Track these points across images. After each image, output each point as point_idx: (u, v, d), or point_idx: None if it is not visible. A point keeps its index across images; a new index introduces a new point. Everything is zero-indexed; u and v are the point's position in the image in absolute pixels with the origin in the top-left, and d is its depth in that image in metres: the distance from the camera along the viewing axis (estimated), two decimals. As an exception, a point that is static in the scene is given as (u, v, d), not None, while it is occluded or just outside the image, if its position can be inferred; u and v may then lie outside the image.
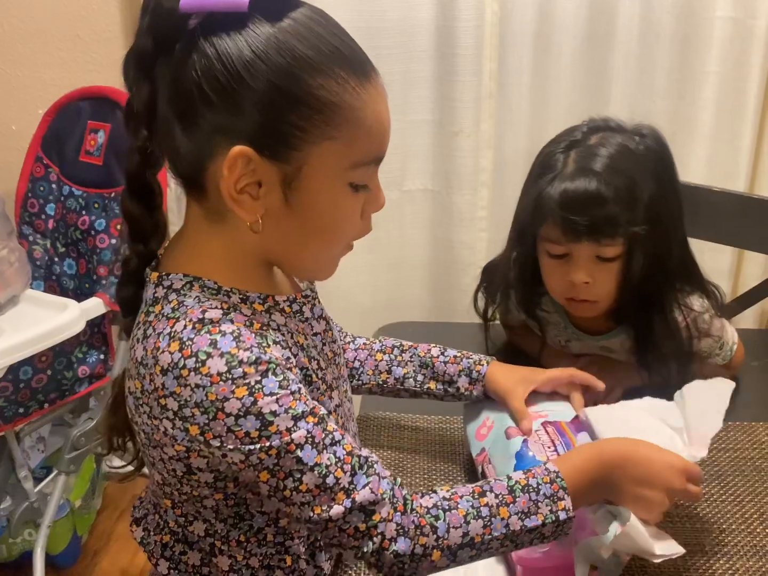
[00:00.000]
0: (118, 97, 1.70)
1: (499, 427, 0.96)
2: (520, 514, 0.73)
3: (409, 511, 0.71)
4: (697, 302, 1.14)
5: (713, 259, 1.73)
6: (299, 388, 0.69)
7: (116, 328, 1.70)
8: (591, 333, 1.21)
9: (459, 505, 0.73)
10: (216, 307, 0.70)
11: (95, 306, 1.58)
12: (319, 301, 0.84)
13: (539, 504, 0.74)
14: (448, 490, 0.75)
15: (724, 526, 0.93)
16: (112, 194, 1.68)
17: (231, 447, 0.66)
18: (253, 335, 0.68)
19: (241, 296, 0.73)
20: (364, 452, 0.72)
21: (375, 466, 0.72)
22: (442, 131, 1.80)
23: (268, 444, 0.66)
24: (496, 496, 0.74)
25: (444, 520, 0.72)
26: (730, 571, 0.87)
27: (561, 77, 1.76)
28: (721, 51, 1.72)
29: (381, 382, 1.03)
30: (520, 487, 0.75)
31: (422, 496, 0.74)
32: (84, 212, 1.71)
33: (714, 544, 0.90)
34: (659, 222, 1.06)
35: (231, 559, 0.77)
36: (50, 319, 1.47)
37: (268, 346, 0.69)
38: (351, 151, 0.70)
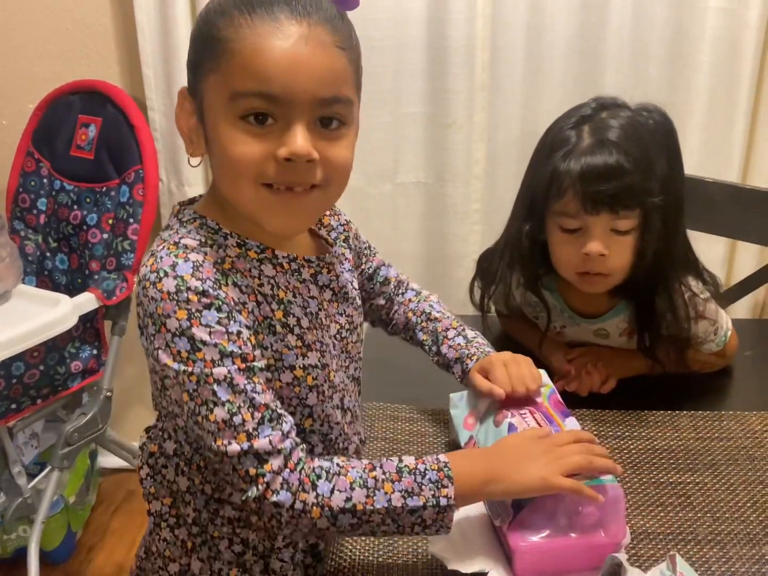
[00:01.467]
0: (109, 91, 1.70)
1: (487, 415, 0.96)
2: (403, 492, 0.76)
3: (298, 470, 0.75)
4: (693, 284, 1.15)
5: (707, 249, 1.72)
6: (239, 332, 0.75)
7: (109, 323, 1.69)
8: (587, 316, 1.21)
9: (348, 473, 0.77)
10: (196, 239, 0.78)
11: (87, 301, 1.57)
12: (328, 271, 0.89)
13: (423, 487, 0.77)
14: (343, 460, 0.79)
15: (717, 515, 0.93)
16: (104, 188, 1.68)
17: (166, 362, 0.74)
18: (215, 271, 0.76)
19: (239, 241, 0.81)
20: (286, 416, 0.77)
21: (285, 425, 0.76)
22: (435, 123, 1.80)
23: (192, 368, 0.73)
24: (384, 473, 0.77)
25: (329, 481, 0.75)
26: (723, 559, 0.87)
27: (553, 68, 1.76)
28: (714, 41, 1.72)
29: (409, 338, 1.12)
30: (408, 469, 0.78)
31: (316, 460, 0.77)
32: (75, 207, 1.70)
33: (707, 533, 0.90)
34: (671, 194, 1.08)
35: (189, 481, 0.84)
36: (42, 315, 1.46)
37: (226, 285, 0.76)
38: (227, 82, 0.74)
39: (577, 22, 1.72)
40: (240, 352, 0.74)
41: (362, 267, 1.09)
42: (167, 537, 0.87)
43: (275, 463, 0.74)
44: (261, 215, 0.79)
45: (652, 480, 0.99)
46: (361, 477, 0.76)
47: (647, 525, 0.91)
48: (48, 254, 1.76)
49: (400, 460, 0.79)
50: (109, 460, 2.11)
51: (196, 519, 0.85)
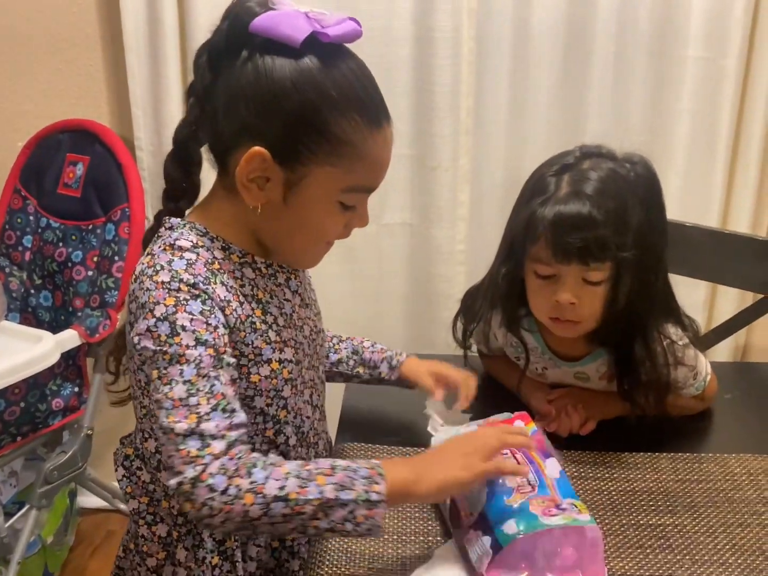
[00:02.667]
0: (97, 130, 1.72)
1: None
2: (336, 485, 0.78)
3: (236, 458, 0.78)
4: (672, 330, 1.15)
5: (687, 293, 1.75)
6: (217, 326, 0.82)
7: (91, 361, 1.69)
8: (567, 359, 1.22)
9: (284, 465, 0.80)
10: (189, 240, 0.86)
11: (70, 338, 1.57)
12: (296, 278, 0.97)
13: (355, 482, 0.79)
14: (280, 458, 0.83)
15: (696, 557, 0.93)
16: (90, 226, 1.69)
17: (146, 344, 0.80)
18: (206, 269, 0.84)
19: (223, 244, 0.89)
20: (241, 413, 0.81)
21: (236, 419, 0.80)
22: (421, 166, 1.82)
23: (167, 349, 0.79)
24: (318, 468, 0.80)
25: (264, 470, 0.78)
26: (702, 603, 0.86)
27: (536, 115, 1.79)
28: (694, 89, 1.76)
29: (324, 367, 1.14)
30: (342, 467, 0.81)
31: (255, 454, 0.81)
32: (61, 244, 1.71)
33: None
34: (646, 248, 1.08)
35: None
36: (24, 351, 1.46)
37: (215, 283, 0.84)
38: (346, 178, 0.85)
39: (560, 70, 1.76)
40: (214, 342, 0.81)
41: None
42: (145, 533, 0.94)
43: (217, 447, 0.77)
44: (305, 261, 0.96)
45: (632, 522, 0.98)
46: (295, 469, 0.79)
47: (626, 567, 0.91)
48: (32, 291, 1.76)
49: (334, 461, 0.83)
50: (88, 500, 2.09)
51: (180, 510, 0.91)
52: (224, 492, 0.75)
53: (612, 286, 1.08)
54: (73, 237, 1.70)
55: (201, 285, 0.82)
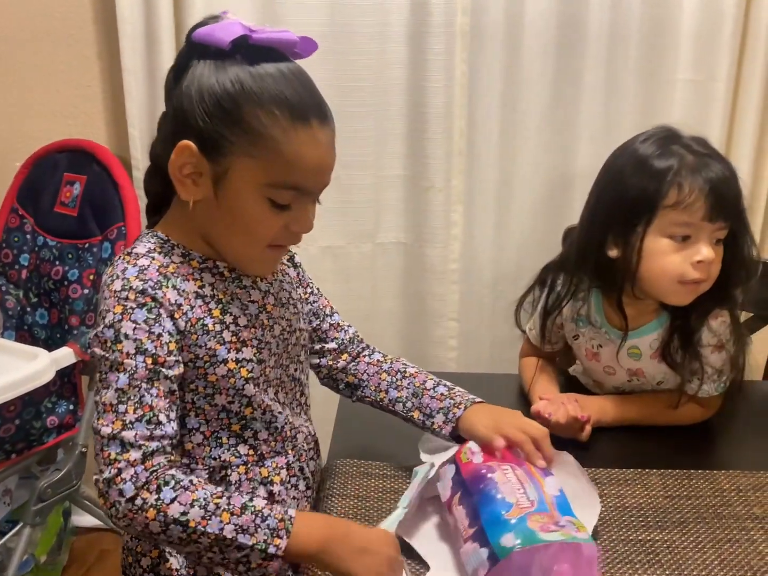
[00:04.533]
0: (94, 150, 1.73)
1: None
2: (238, 527, 0.81)
3: (151, 470, 0.81)
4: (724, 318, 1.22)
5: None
6: (161, 333, 0.86)
7: (86, 379, 1.69)
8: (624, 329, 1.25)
9: (196, 492, 0.82)
10: (146, 246, 0.91)
11: (65, 356, 1.57)
12: (262, 279, 0.99)
13: (258, 529, 0.81)
14: (199, 481, 0.85)
15: (685, 573, 0.93)
16: (86, 245, 1.70)
17: (95, 349, 0.86)
18: (158, 274, 0.88)
19: (183, 251, 0.93)
20: (166, 426, 0.84)
21: (158, 431, 0.83)
22: (415, 186, 1.84)
23: (109, 355, 0.84)
24: (229, 503, 0.82)
25: (173, 490, 0.81)
26: (690, 618, 0.87)
27: (528, 136, 1.81)
28: (683, 111, 1.79)
29: (378, 400, 1.13)
30: (253, 509, 0.83)
31: (175, 471, 0.83)
32: (57, 262, 1.72)
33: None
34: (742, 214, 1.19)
35: None
36: (20, 368, 1.46)
37: (166, 287, 0.88)
38: (267, 173, 0.87)
39: (551, 92, 1.79)
40: (154, 352, 0.85)
41: (305, 294, 1.13)
42: (135, 534, 0.93)
43: (134, 455, 0.81)
44: (254, 267, 0.96)
45: (621, 537, 0.99)
46: (205, 498, 0.82)
47: (616, 582, 0.92)
48: (28, 309, 1.77)
49: (251, 499, 0.84)
50: (82, 519, 2.08)
51: None
52: (130, 500, 0.80)
53: (731, 244, 1.17)
54: (70, 255, 1.71)
55: (149, 290, 0.86)
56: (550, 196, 1.85)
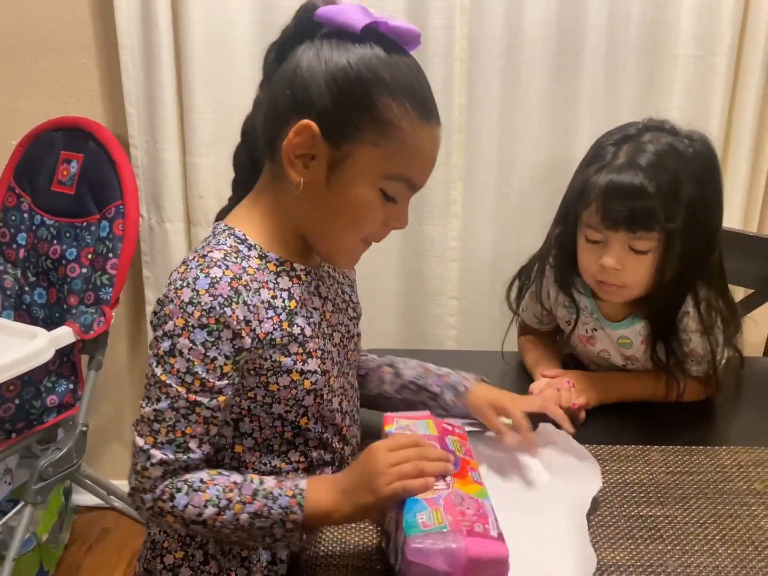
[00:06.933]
0: (91, 128, 1.72)
1: None
2: (251, 514, 0.83)
3: (166, 484, 0.84)
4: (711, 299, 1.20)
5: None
6: (216, 358, 0.83)
7: (86, 358, 1.69)
8: (613, 320, 1.26)
9: (208, 490, 0.84)
10: (223, 250, 0.86)
11: (65, 335, 1.57)
12: (323, 284, 0.97)
13: (272, 511, 0.83)
14: (210, 475, 0.86)
15: (686, 548, 0.94)
16: (84, 223, 1.69)
17: (150, 352, 0.85)
18: (229, 288, 0.83)
19: (260, 252, 0.90)
20: (195, 452, 0.85)
21: (183, 456, 0.84)
22: (414, 163, 1.83)
23: (160, 367, 0.83)
24: (240, 494, 0.84)
25: (186, 495, 0.84)
26: (692, 592, 0.87)
27: (529, 112, 1.80)
28: (684, 87, 1.77)
29: (382, 392, 1.14)
30: (264, 492, 0.84)
31: (187, 475, 0.85)
32: (55, 241, 1.71)
33: (677, 566, 0.91)
34: (698, 223, 1.12)
35: None
36: (19, 348, 1.46)
37: (236, 303, 0.83)
38: (389, 163, 0.85)
39: (552, 67, 1.77)
40: (203, 376, 0.83)
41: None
42: (166, 529, 0.94)
43: (156, 472, 0.84)
44: (342, 258, 0.95)
45: (623, 513, 1.00)
46: (217, 496, 0.84)
47: (617, 558, 0.92)
48: (26, 288, 1.76)
49: (261, 482, 0.86)
50: (83, 498, 2.09)
51: None
52: (150, 509, 0.85)
53: (660, 256, 1.13)
54: (68, 234, 1.70)
55: (217, 309, 0.82)
56: (550, 174, 1.84)
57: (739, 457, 1.11)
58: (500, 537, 0.79)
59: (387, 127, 0.83)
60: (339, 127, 0.84)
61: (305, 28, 0.86)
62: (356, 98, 0.83)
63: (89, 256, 1.66)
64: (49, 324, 1.70)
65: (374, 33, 0.84)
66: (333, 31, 0.85)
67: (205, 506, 0.83)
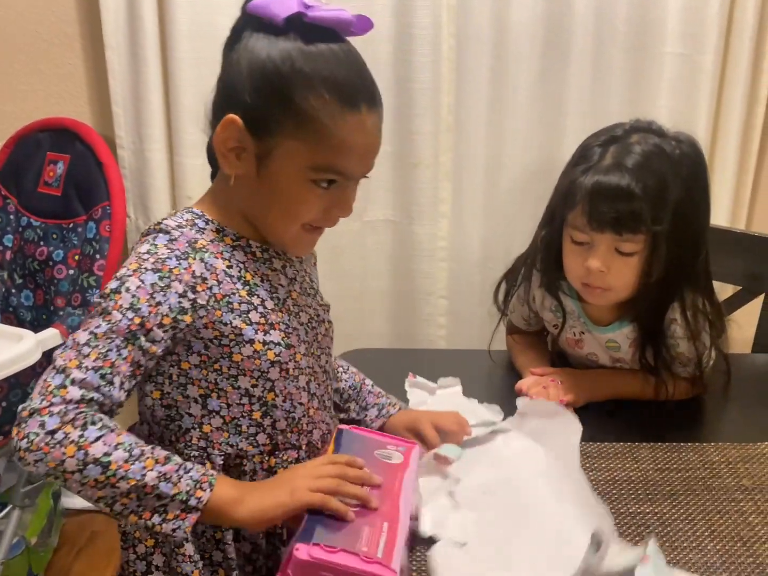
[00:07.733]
0: (77, 129, 1.71)
1: None
2: (161, 475, 0.79)
3: (80, 410, 0.78)
4: (699, 304, 1.19)
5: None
6: (161, 303, 0.83)
7: (74, 360, 1.68)
8: (601, 324, 1.26)
9: (122, 435, 0.79)
10: (178, 221, 0.90)
11: (52, 337, 1.56)
12: (291, 266, 0.99)
13: (182, 479, 0.80)
14: (123, 429, 0.81)
15: (675, 544, 0.94)
16: (71, 225, 1.68)
17: (95, 298, 0.86)
18: (187, 246, 0.87)
19: (218, 227, 0.92)
20: (116, 390, 0.80)
21: (106, 389, 0.79)
22: (402, 163, 1.83)
23: (103, 302, 0.83)
24: (153, 452, 0.80)
25: (100, 430, 0.78)
26: (681, 588, 0.87)
27: (517, 111, 1.80)
28: (671, 85, 1.77)
29: None
30: (177, 461, 0.81)
31: (104, 417, 0.80)
32: (42, 243, 1.70)
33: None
34: (685, 226, 1.12)
35: None
36: (5, 350, 1.45)
37: (193, 258, 0.86)
38: (313, 156, 0.86)
39: (539, 66, 1.77)
40: (145, 315, 0.82)
41: None
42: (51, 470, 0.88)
43: (72, 394, 0.78)
44: (290, 246, 0.95)
45: (612, 510, 0.99)
46: (130, 444, 0.79)
47: (607, 555, 0.92)
48: (13, 290, 1.75)
49: (175, 455, 0.82)
50: (72, 501, 2.08)
51: None
52: (50, 433, 0.76)
53: (646, 259, 1.12)
54: (54, 236, 1.69)
55: (170, 262, 0.84)
56: (539, 173, 1.84)
57: (727, 454, 1.12)
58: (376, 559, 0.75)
59: (306, 120, 0.84)
60: (261, 121, 0.85)
61: (246, 21, 0.87)
62: (274, 92, 0.84)
63: (76, 257, 1.65)
64: (36, 326, 1.69)
65: (299, 23, 0.84)
66: (262, 24, 0.85)
67: (116, 448, 0.77)
